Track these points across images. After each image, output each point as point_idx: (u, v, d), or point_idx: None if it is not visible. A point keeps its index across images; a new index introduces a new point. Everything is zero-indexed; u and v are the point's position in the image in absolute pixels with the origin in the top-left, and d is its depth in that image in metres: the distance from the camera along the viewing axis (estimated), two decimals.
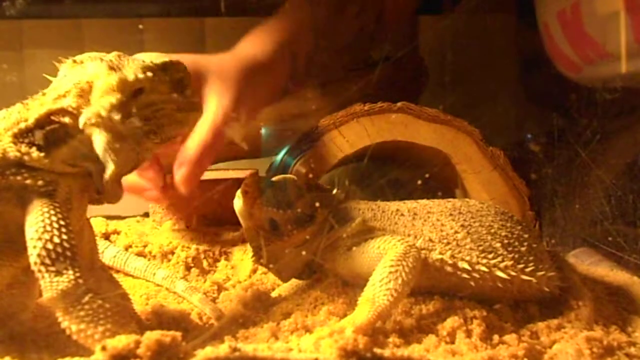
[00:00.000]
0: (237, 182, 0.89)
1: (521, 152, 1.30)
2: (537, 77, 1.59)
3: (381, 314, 0.70)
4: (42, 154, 0.68)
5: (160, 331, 0.57)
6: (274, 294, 0.91)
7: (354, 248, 0.81)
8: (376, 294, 0.71)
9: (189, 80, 0.76)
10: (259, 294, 0.89)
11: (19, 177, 0.67)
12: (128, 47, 1.02)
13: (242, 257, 1.09)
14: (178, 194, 0.98)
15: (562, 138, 1.26)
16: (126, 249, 1.08)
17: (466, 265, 0.79)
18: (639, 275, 1.00)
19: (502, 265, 0.79)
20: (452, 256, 0.80)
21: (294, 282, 0.91)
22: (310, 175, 1.13)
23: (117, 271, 1.04)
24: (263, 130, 1.32)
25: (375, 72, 1.37)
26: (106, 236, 1.14)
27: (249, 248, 0.92)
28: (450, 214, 0.83)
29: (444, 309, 0.76)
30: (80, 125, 0.68)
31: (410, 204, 0.86)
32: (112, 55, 0.72)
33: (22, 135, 0.68)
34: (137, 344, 0.56)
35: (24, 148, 0.68)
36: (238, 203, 0.83)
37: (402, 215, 0.84)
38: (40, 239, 0.63)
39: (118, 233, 1.15)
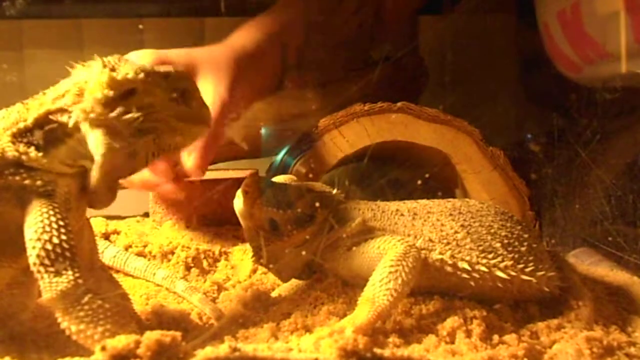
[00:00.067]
0: (237, 182, 0.89)
1: (521, 152, 1.30)
2: (537, 77, 1.59)
3: (381, 314, 0.70)
4: (40, 154, 0.68)
5: (160, 331, 0.57)
6: (274, 294, 0.91)
7: (354, 248, 0.81)
8: (376, 294, 0.71)
9: (195, 91, 0.76)
10: (259, 294, 0.89)
11: (17, 177, 0.67)
12: (128, 47, 1.02)
13: (242, 257, 1.09)
14: (187, 187, 0.99)
15: (562, 138, 1.26)
16: (126, 249, 1.08)
17: (466, 265, 0.79)
18: (639, 275, 1.00)
19: (502, 265, 0.79)
20: (452, 256, 0.80)
21: (294, 282, 0.91)
22: (310, 175, 1.13)
23: (117, 271, 1.04)
24: (263, 130, 1.32)
25: (375, 72, 1.37)
26: (106, 236, 1.14)
27: (249, 248, 0.92)
28: (450, 214, 0.83)
29: (444, 309, 0.76)
30: (71, 123, 0.68)
31: (410, 204, 0.86)
32: (113, 57, 0.72)
33: (20, 135, 0.68)
34: (137, 344, 0.56)
35: (22, 148, 0.68)
36: (238, 203, 0.83)
37: (402, 215, 0.84)
38: (39, 239, 0.63)
39: (118, 233, 1.15)
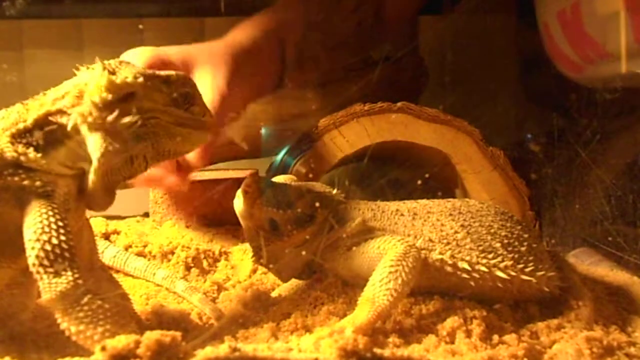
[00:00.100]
0: (237, 182, 0.89)
1: (521, 152, 1.30)
2: (537, 77, 1.59)
3: (381, 314, 0.70)
4: (39, 155, 0.68)
5: (160, 331, 0.57)
6: (274, 294, 0.91)
7: (354, 248, 0.81)
8: (376, 294, 0.71)
9: (198, 97, 0.75)
10: (259, 294, 0.89)
11: (16, 178, 0.67)
12: (128, 47, 1.02)
13: (242, 257, 1.09)
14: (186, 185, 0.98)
15: (562, 138, 1.26)
16: (126, 249, 1.08)
17: (466, 265, 0.79)
18: (639, 275, 1.00)
19: (502, 265, 0.79)
20: (452, 256, 0.80)
21: (294, 282, 0.91)
22: (310, 175, 1.13)
23: (117, 271, 1.04)
24: (263, 130, 1.32)
25: (375, 72, 1.38)
26: (106, 236, 1.14)
27: (249, 248, 0.92)
28: (450, 214, 0.83)
29: (444, 309, 0.76)
30: (69, 126, 0.68)
31: (410, 204, 0.86)
32: (115, 61, 0.72)
33: (20, 136, 0.68)
34: (137, 344, 0.56)
35: (21, 148, 0.67)
36: (238, 203, 0.83)
37: (402, 215, 0.84)
38: (38, 240, 0.63)
39: (118, 233, 1.15)
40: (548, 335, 0.75)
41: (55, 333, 0.66)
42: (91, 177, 0.69)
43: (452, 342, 0.71)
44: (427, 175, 1.08)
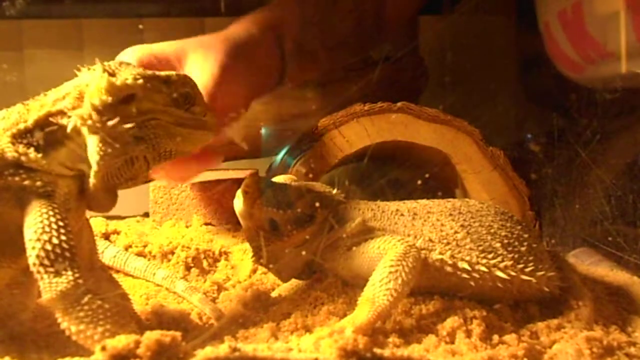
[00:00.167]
0: (237, 182, 0.89)
1: (521, 152, 1.30)
2: (537, 77, 1.59)
3: (381, 314, 0.70)
4: (39, 155, 0.68)
5: (160, 331, 0.57)
6: (274, 294, 0.91)
7: (354, 248, 0.81)
8: (376, 294, 0.71)
9: (198, 97, 0.75)
10: (259, 294, 0.89)
11: (17, 178, 0.67)
12: (128, 47, 1.02)
13: (242, 257, 1.09)
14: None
15: (562, 138, 1.26)
16: (126, 249, 1.08)
17: (466, 265, 0.79)
18: (639, 275, 1.00)
19: (501, 265, 0.79)
20: (452, 256, 0.80)
21: (294, 282, 0.91)
22: (310, 175, 1.13)
23: (117, 271, 1.04)
24: (263, 130, 1.33)
25: (375, 72, 1.37)
26: (106, 236, 1.14)
27: (249, 248, 0.92)
28: (450, 214, 0.83)
29: (444, 309, 0.76)
30: (69, 128, 0.68)
31: (410, 204, 0.86)
32: (115, 62, 0.72)
33: (20, 136, 0.68)
34: (137, 344, 0.56)
35: (21, 149, 0.68)
36: (238, 203, 0.83)
37: (402, 215, 0.84)
38: (39, 239, 0.63)
39: (118, 233, 1.15)
40: (548, 335, 0.75)
41: (55, 333, 0.66)
42: (92, 179, 0.69)
43: (452, 342, 0.71)
44: (427, 175, 1.08)
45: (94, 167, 0.68)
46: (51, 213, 0.65)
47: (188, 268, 1.07)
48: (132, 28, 1.62)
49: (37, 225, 0.64)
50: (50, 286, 0.62)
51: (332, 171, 1.23)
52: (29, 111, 0.70)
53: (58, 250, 0.63)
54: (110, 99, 0.67)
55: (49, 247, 0.63)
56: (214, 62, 0.97)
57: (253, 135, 1.30)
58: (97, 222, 1.16)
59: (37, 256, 0.63)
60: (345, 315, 0.75)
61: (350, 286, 0.83)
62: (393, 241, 0.78)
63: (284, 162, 1.20)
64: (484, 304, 0.78)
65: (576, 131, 1.21)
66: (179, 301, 0.96)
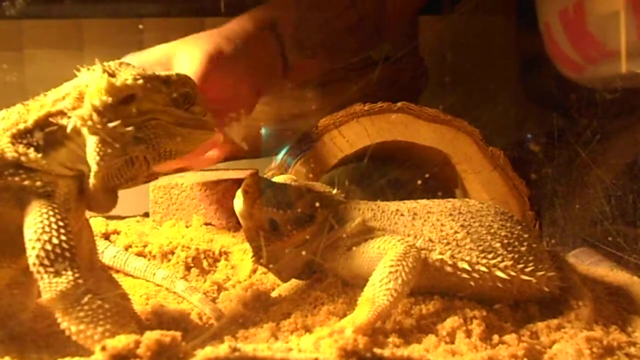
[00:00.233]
0: (237, 182, 0.89)
1: (521, 152, 1.30)
2: (537, 77, 1.59)
3: (381, 314, 0.70)
4: (39, 155, 0.68)
5: (160, 331, 0.57)
6: (274, 294, 0.91)
7: (354, 248, 0.81)
8: (376, 294, 0.71)
9: (198, 97, 0.75)
10: (259, 294, 0.89)
11: (17, 178, 0.67)
12: (128, 47, 1.02)
13: (242, 257, 1.09)
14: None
15: (562, 138, 1.26)
16: (126, 249, 1.08)
17: (466, 265, 0.79)
18: (639, 275, 1.00)
19: (501, 265, 0.79)
20: (452, 256, 0.80)
21: (294, 282, 0.91)
22: (310, 175, 1.13)
23: (117, 271, 1.04)
24: (263, 130, 1.33)
25: (375, 72, 1.37)
26: (106, 236, 1.14)
27: (249, 248, 0.92)
28: (450, 214, 0.83)
29: (444, 309, 0.76)
30: (69, 128, 0.68)
31: (410, 204, 0.86)
32: (115, 63, 0.72)
33: (20, 136, 0.68)
34: (137, 344, 0.56)
35: (21, 149, 0.68)
36: (238, 203, 0.83)
37: (402, 215, 0.84)
38: (39, 239, 0.63)
39: (118, 233, 1.15)
40: (548, 335, 0.75)
41: (55, 333, 0.66)
42: (92, 179, 0.69)
43: (452, 342, 0.71)
44: (427, 175, 1.08)
45: (94, 168, 0.68)
46: (51, 213, 0.65)
47: (188, 268, 1.07)
48: (132, 28, 1.62)
49: (37, 225, 0.64)
50: (50, 286, 0.62)
51: (332, 171, 1.23)
52: (28, 111, 0.70)
53: (58, 250, 0.63)
54: (110, 99, 0.67)
55: (49, 247, 0.63)
56: (200, 52, 0.97)
57: (253, 135, 1.30)
58: (97, 222, 1.16)
59: (37, 256, 0.63)
60: (345, 315, 0.75)
61: (350, 286, 0.83)
62: (393, 241, 0.78)
63: (284, 162, 1.20)
64: (484, 304, 0.78)
65: (576, 131, 1.21)
66: (179, 301, 0.96)
